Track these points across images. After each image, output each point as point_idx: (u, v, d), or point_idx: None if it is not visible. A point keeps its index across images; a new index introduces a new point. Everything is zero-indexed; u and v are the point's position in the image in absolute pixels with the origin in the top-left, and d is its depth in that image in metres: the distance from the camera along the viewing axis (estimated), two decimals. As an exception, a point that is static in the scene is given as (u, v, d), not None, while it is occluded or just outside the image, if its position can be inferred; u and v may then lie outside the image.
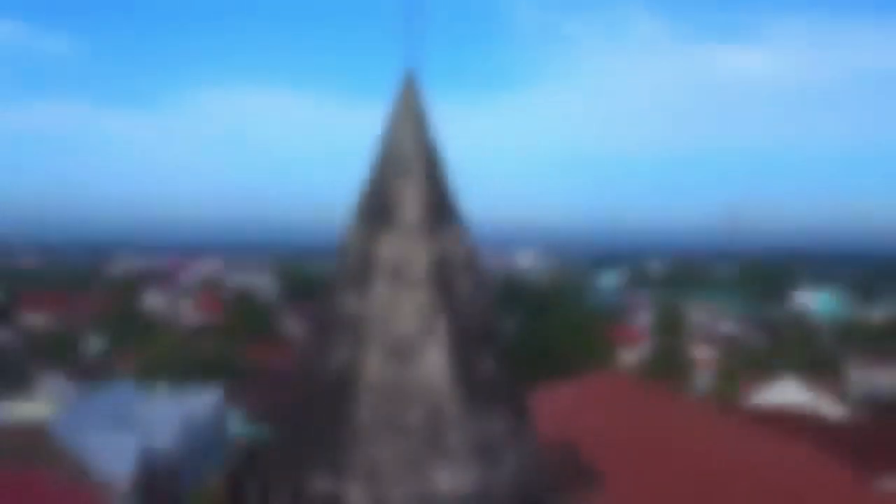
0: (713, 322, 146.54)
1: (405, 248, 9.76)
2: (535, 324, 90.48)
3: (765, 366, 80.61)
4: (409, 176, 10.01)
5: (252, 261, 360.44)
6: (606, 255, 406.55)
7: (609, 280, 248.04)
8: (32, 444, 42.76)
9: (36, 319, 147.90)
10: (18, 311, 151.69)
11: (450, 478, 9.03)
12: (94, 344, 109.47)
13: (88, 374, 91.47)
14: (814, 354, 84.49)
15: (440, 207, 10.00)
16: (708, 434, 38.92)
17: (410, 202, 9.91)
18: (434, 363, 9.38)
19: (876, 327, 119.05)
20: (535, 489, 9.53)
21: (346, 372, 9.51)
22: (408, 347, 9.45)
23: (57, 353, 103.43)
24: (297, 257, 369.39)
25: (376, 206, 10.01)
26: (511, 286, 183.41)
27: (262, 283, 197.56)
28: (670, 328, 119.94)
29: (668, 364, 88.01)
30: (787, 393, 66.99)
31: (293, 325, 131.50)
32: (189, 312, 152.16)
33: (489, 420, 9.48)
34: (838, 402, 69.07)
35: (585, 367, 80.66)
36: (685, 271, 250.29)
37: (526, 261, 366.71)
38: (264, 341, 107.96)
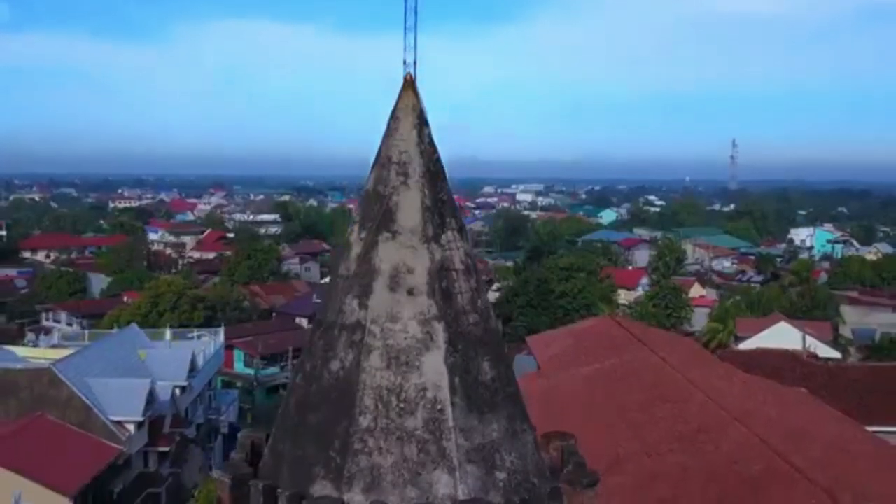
0: (711, 260, 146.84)
1: (405, 255, 9.76)
2: (535, 266, 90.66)
3: (760, 307, 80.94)
4: (409, 182, 9.96)
5: (255, 194, 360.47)
6: (607, 192, 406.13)
7: (609, 217, 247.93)
8: (42, 387, 43.28)
9: (42, 257, 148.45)
10: (25, 248, 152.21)
11: (448, 483, 9.19)
12: (99, 283, 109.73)
13: (95, 312, 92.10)
14: (809, 295, 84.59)
15: (439, 213, 9.97)
16: (700, 376, 39.21)
17: (410, 208, 9.88)
18: (433, 370, 9.46)
19: (871, 265, 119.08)
20: (533, 490, 9.70)
21: (347, 378, 9.60)
22: (408, 354, 9.51)
23: (64, 291, 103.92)
24: (299, 192, 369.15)
25: (376, 212, 10.00)
26: (512, 225, 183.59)
27: (264, 220, 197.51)
28: (668, 268, 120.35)
29: (666, 304, 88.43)
30: (780, 335, 67.40)
31: (294, 264, 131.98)
32: (192, 250, 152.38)
33: (487, 424, 9.59)
34: (831, 344, 69.59)
35: (585, 310, 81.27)
36: (684, 208, 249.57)
37: (527, 197, 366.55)
38: (266, 281, 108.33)
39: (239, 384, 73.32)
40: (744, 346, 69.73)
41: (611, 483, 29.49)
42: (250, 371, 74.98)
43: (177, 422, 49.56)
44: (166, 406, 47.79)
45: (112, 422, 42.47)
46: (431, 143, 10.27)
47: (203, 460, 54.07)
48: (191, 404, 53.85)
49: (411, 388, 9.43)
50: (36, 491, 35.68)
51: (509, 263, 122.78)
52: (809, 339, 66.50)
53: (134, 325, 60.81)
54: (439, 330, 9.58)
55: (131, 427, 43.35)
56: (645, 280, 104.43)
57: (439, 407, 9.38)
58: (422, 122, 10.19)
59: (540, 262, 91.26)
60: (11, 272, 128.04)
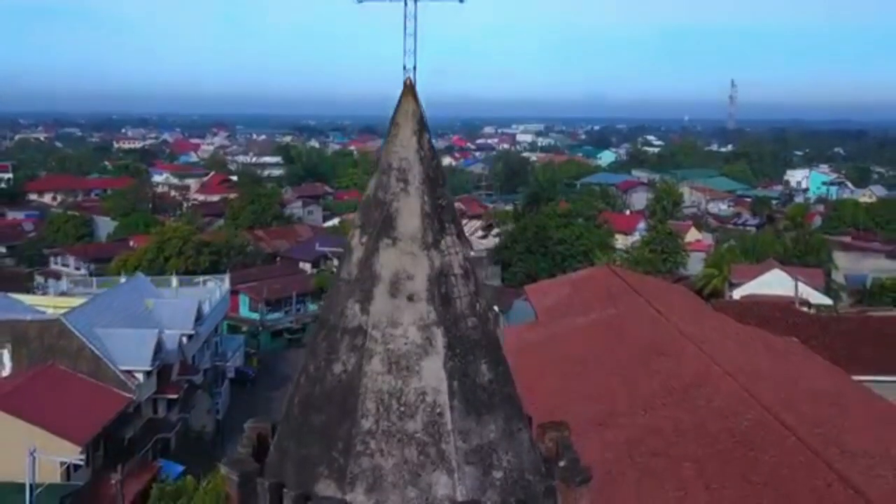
0: (707, 203, 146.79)
1: (405, 262, 9.83)
2: (533, 212, 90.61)
3: (755, 253, 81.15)
4: (409, 189, 9.99)
5: (257, 134, 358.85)
6: (606, 132, 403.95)
7: (608, 159, 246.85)
8: (52, 338, 43.69)
9: (48, 199, 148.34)
10: (31, 191, 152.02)
11: (447, 484, 9.41)
12: (105, 226, 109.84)
13: (102, 256, 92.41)
14: (803, 240, 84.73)
15: (439, 219, 10.01)
16: (694, 328, 39.55)
17: (410, 215, 9.92)
18: (433, 375, 9.61)
19: (865, 209, 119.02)
20: (529, 487, 9.93)
21: (348, 382, 9.75)
22: (408, 359, 9.65)
23: (71, 235, 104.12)
24: (301, 132, 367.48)
25: (377, 218, 10.04)
26: (512, 168, 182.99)
27: (267, 162, 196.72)
28: (665, 212, 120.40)
29: (662, 250, 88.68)
30: (774, 282, 67.78)
31: (297, 208, 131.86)
32: (196, 192, 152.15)
33: (485, 425, 9.78)
34: (823, 291, 69.97)
35: (582, 256, 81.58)
36: (682, 149, 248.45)
37: (527, 138, 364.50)
38: (269, 225, 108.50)
39: (244, 328, 74.05)
40: (738, 292, 70.26)
41: (606, 437, 30.09)
42: (255, 315, 75.64)
43: (184, 369, 50.21)
44: (174, 355, 48.37)
45: (122, 371, 43.03)
46: (431, 148, 10.27)
47: (210, 405, 54.96)
48: (198, 351, 54.47)
49: (411, 392, 9.59)
50: (48, 440, 36.29)
51: (509, 207, 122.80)
52: (802, 286, 66.90)
53: (141, 275, 61.13)
54: (438, 335, 9.71)
55: (140, 376, 43.94)
56: (642, 225, 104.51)
57: (438, 411, 9.55)
58: (422, 128, 10.17)
59: (539, 208, 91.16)
60: (19, 215, 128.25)
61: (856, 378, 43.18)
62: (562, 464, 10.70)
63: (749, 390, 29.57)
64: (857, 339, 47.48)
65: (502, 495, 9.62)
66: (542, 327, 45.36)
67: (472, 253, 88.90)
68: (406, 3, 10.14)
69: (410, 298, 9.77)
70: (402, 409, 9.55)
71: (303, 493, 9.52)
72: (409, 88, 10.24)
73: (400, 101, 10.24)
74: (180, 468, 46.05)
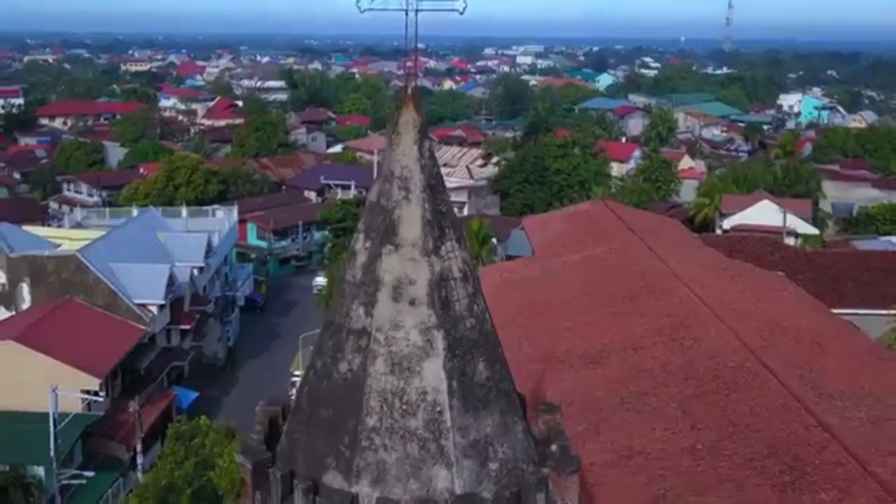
0: (701, 129, 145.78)
1: (407, 267, 10.02)
2: (532, 142, 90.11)
3: (746, 182, 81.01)
4: (410, 197, 10.12)
5: (261, 55, 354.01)
6: (604, 53, 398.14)
7: (605, 82, 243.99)
8: (69, 273, 44.08)
9: (59, 124, 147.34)
10: (42, 115, 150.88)
11: (447, 478, 9.81)
12: (115, 153, 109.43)
13: (113, 184, 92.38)
14: (793, 169, 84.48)
15: (439, 225, 10.16)
16: (685, 266, 39.85)
17: (411, 223, 10.07)
18: (433, 375, 9.90)
19: (854, 136, 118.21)
20: (522, 477, 10.33)
21: (354, 380, 10.06)
22: (410, 361, 9.93)
23: (83, 162, 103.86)
24: (303, 53, 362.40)
25: (379, 224, 10.20)
26: (512, 92, 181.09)
27: (271, 87, 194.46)
28: (660, 138, 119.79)
29: (656, 178, 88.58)
30: (763, 212, 67.93)
31: (301, 134, 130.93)
32: (203, 118, 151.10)
33: (482, 420, 10.11)
34: (810, 221, 70.15)
35: (579, 187, 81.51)
36: (678, 73, 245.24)
37: (527, 59, 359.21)
38: (275, 152, 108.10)
39: (253, 256, 74.53)
40: (728, 222, 70.42)
41: (598, 375, 30.70)
42: (263, 244, 76.04)
43: (196, 300, 50.78)
44: (185, 287, 48.85)
45: (136, 305, 43.56)
46: (432, 156, 10.36)
47: (221, 333, 55.78)
48: (208, 282, 54.99)
49: (413, 391, 9.90)
50: (68, 373, 36.99)
51: (509, 134, 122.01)
52: (789, 217, 67.10)
53: (152, 208, 61.31)
54: (438, 338, 9.97)
55: (154, 309, 44.50)
56: (637, 153, 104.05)
57: (438, 409, 9.88)
58: (422, 136, 10.24)
59: (538, 138, 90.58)
60: (31, 141, 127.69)
61: (839, 311, 43.78)
62: (553, 448, 11.08)
63: (735, 331, 30.01)
64: (841, 273, 47.90)
65: (498, 486, 10.03)
66: (538, 262, 45.65)
67: (473, 182, 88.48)
68: (406, 13, 10.10)
69: (412, 303, 10.00)
70: (405, 407, 9.88)
71: (312, 482, 9.95)
72: (411, 98, 10.28)
73: (401, 111, 10.29)
74: (194, 394, 47.11)
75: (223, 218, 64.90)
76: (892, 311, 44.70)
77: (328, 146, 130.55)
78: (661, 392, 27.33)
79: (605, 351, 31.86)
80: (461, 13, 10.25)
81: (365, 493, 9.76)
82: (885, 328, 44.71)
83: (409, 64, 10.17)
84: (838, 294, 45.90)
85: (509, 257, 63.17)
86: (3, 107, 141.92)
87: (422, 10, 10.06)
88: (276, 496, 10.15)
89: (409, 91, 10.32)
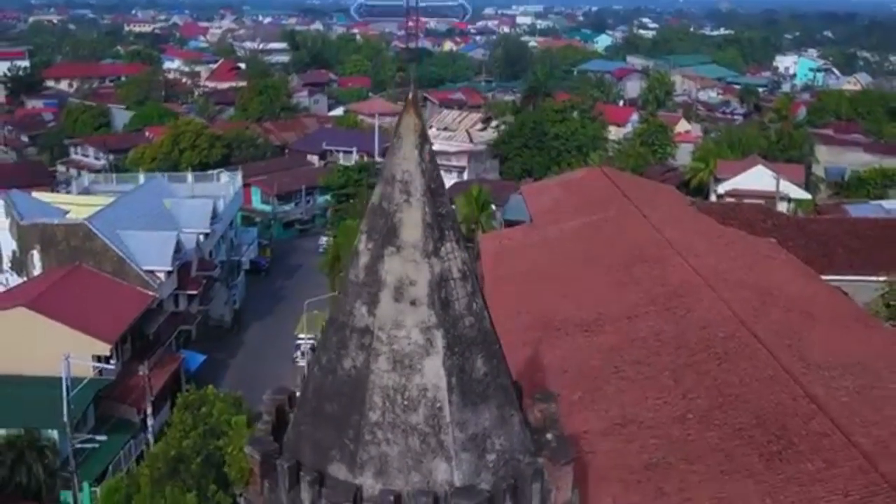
0: (697, 91, 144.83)
1: (408, 269, 10.16)
2: (531, 107, 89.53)
3: (740, 147, 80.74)
4: (411, 200, 10.21)
5: (263, 16, 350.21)
6: (603, 13, 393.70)
7: (604, 43, 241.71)
8: (78, 241, 44.21)
9: (65, 86, 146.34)
10: (48, 78, 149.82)
11: (446, 470, 10.06)
12: (121, 116, 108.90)
13: (120, 147, 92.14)
14: (787, 134, 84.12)
15: (439, 227, 10.27)
16: (679, 234, 39.91)
17: (412, 225, 10.18)
18: (433, 373, 10.10)
19: (848, 100, 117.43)
20: (518, 467, 10.58)
21: (357, 377, 10.26)
22: (411, 359, 10.12)
23: (89, 125, 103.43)
24: (305, 13, 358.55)
25: (381, 227, 10.32)
26: (511, 54, 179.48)
27: (273, 48, 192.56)
28: (657, 101, 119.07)
29: (652, 142, 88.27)
30: (757, 178, 67.84)
31: (303, 96, 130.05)
32: (207, 80, 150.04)
33: (480, 414, 10.33)
34: (802, 186, 70.10)
35: (577, 152, 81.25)
36: (675, 34, 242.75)
37: (526, 20, 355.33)
38: (278, 115, 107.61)
39: (258, 219, 74.59)
40: (722, 187, 70.39)
41: (593, 343, 30.94)
42: (267, 207, 76.07)
43: (202, 265, 50.98)
44: (192, 253, 49.01)
45: (144, 271, 43.77)
46: (432, 160, 10.43)
47: (227, 296, 56.10)
48: (214, 246, 55.15)
49: (414, 388, 10.11)
50: (80, 339, 37.30)
51: (508, 97, 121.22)
52: (783, 182, 67.02)
53: (158, 175, 61.25)
54: (438, 337, 10.15)
55: (162, 275, 44.70)
56: (635, 117, 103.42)
57: (438, 405, 10.10)
58: (423, 141, 10.30)
59: (537, 101, 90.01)
60: (38, 104, 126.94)
61: (829, 278, 43.93)
62: (549, 436, 11.32)
63: (726, 301, 30.12)
64: (831, 240, 47.98)
65: (495, 476, 10.30)
66: (536, 230, 45.74)
67: (473, 147, 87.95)
68: (407, 19, 10.11)
69: (413, 303, 10.17)
70: (406, 403, 10.10)
71: (318, 474, 10.20)
72: (411, 104, 10.34)
73: (402, 116, 10.35)
74: (202, 357, 47.53)
75: (228, 182, 64.85)
76: (881, 279, 44.87)
77: (330, 108, 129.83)
78: (654, 361, 27.50)
79: (600, 319, 32.02)
80: (463, 19, 10.25)
81: (368, 484, 10.03)
82: (873, 295, 44.93)
83: (410, 69, 10.20)
84: (829, 261, 46.02)
85: (508, 222, 63.31)
86: (9, 69, 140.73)
87: (423, 15, 10.06)
88: (284, 486, 10.42)
89: (410, 96, 10.38)
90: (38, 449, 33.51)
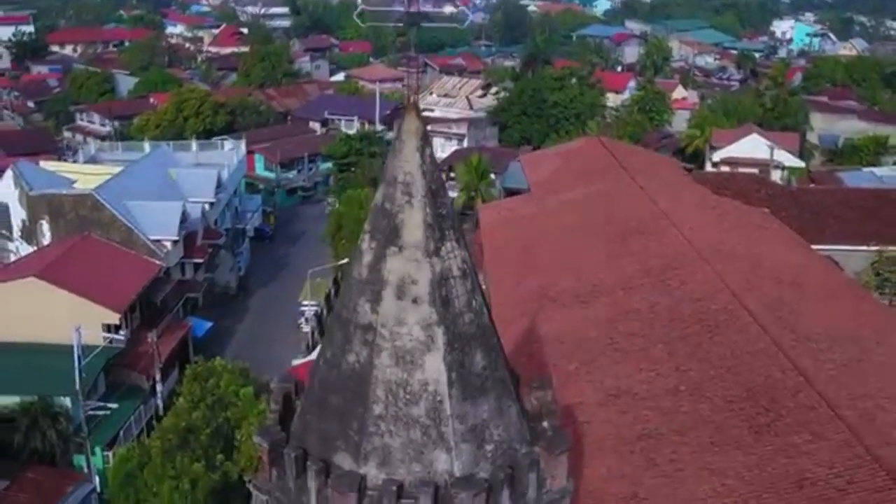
0: (695, 57, 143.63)
1: (410, 268, 10.32)
2: (530, 74, 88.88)
3: (736, 114, 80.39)
4: (412, 201, 10.34)
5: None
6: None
7: (602, 6, 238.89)
8: (86, 211, 44.31)
9: (69, 51, 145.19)
10: (53, 43, 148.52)
11: (446, 461, 10.32)
12: (125, 83, 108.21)
13: (124, 114, 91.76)
14: (782, 101, 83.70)
15: (440, 227, 10.41)
16: (675, 206, 39.99)
17: (413, 226, 10.32)
18: (434, 368, 10.31)
19: (844, 67, 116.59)
20: (515, 456, 10.84)
21: (361, 371, 10.48)
22: (412, 355, 10.32)
23: (94, 91, 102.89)
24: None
25: (384, 227, 10.46)
26: (511, 19, 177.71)
27: (275, 13, 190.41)
28: (655, 67, 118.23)
29: (650, 108, 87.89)
30: (751, 146, 67.70)
31: (305, 62, 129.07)
32: (210, 45, 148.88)
33: (479, 406, 10.56)
34: (796, 154, 69.94)
35: (575, 119, 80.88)
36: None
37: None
38: (280, 82, 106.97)
39: (261, 186, 74.51)
40: (718, 154, 70.23)
41: (589, 315, 31.19)
42: (270, 174, 75.94)
43: (208, 234, 51.12)
44: (198, 222, 49.13)
45: (151, 241, 43.92)
46: (433, 162, 10.53)
47: (233, 263, 56.30)
48: (219, 214, 55.24)
49: (415, 382, 10.33)
50: (90, 308, 37.57)
51: (508, 62, 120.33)
52: (777, 150, 66.87)
53: (163, 145, 61.03)
54: (439, 333, 10.34)
55: (168, 244, 44.86)
56: (632, 83, 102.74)
57: (439, 399, 10.32)
58: (424, 143, 10.39)
59: (536, 69, 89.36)
60: (43, 69, 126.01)
61: (820, 248, 44.09)
62: (545, 424, 11.57)
63: (719, 273, 30.27)
64: (823, 210, 48.09)
65: (493, 465, 10.56)
66: (534, 200, 45.78)
67: (473, 114, 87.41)
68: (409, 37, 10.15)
69: (415, 301, 10.34)
70: (408, 397, 10.33)
71: (324, 463, 10.47)
72: (413, 107, 10.41)
73: (404, 119, 10.43)
74: (209, 324, 47.88)
75: (232, 150, 64.75)
76: (872, 248, 45.08)
77: (331, 73, 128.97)
78: (648, 333, 27.74)
79: (595, 291, 32.21)
80: (462, 25, 10.29)
81: (372, 474, 10.30)
82: (863, 264, 45.19)
83: (412, 76, 10.28)
84: (820, 230, 46.16)
85: (507, 190, 63.30)
86: (13, 34, 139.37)
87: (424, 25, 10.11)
88: (291, 474, 10.70)
89: (411, 100, 10.45)
90: (52, 415, 33.95)
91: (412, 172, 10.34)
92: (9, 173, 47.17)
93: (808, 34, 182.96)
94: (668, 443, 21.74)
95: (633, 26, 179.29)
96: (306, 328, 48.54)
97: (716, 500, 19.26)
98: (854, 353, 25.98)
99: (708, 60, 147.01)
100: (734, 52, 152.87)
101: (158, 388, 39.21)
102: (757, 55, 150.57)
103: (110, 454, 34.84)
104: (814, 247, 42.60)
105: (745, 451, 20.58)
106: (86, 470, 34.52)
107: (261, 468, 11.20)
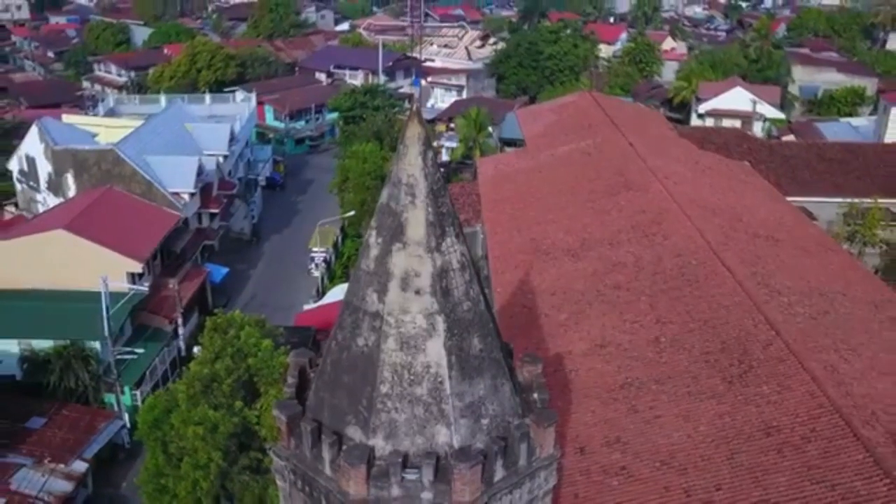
0: (684, 6, 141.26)
1: (413, 262, 10.67)
2: (527, 27, 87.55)
3: (722, 66, 79.54)
4: (416, 202, 10.63)
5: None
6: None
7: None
8: (108, 165, 44.37)
9: (84, 1, 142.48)
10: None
11: (447, 434, 10.83)
12: (140, 34, 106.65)
13: (140, 64, 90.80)
14: (766, 54, 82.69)
15: (440, 225, 10.71)
16: (661, 161, 40.08)
17: (417, 224, 10.63)
18: (435, 352, 10.74)
19: (825, 18, 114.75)
20: (508, 428, 11.37)
21: (369, 354, 10.92)
22: (416, 340, 10.75)
23: (110, 42, 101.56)
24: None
25: (390, 225, 10.77)
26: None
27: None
28: (645, 17, 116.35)
29: (640, 59, 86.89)
30: (735, 99, 67.29)
31: (311, 12, 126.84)
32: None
33: (476, 385, 11.03)
34: (777, 107, 69.54)
35: (569, 71, 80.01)
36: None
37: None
38: (288, 33, 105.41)
39: (271, 136, 74.21)
40: (703, 107, 69.81)
41: (578, 267, 31.56)
42: (280, 124, 75.54)
43: (223, 185, 51.18)
44: (213, 174, 49.14)
45: (170, 193, 44.08)
46: (434, 164, 10.78)
47: (246, 211, 56.51)
48: (232, 166, 55.23)
49: (418, 365, 10.78)
50: (115, 258, 37.95)
51: (506, 12, 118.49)
52: (759, 103, 66.52)
53: (178, 99, 60.56)
54: (440, 321, 10.74)
55: (186, 196, 45.01)
56: (623, 35, 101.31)
57: (440, 380, 10.78)
58: (426, 147, 10.63)
59: (532, 22, 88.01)
60: (61, 20, 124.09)
61: (796, 199, 44.29)
62: (535, 396, 12.08)
63: (700, 229, 30.55)
64: (800, 163, 48.15)
65: (489, 437, 11.10)
66: (529, 154, 45.75)
67: (472, 65, 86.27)
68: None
69: (418, 292, 10.72)
70: (412, 378, 10.79)
71: (336, 436, 11.00)
72: (416, 114, 10.62)
73: (407, 125, 10.64)
74: (225, 269, 48.36)
75: (243, 103, 64.32)
76: (845, 199, 45.28)
77: (336, 23, 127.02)
78: (633, 286, 28.07)
79: (585, 245, 32.49)
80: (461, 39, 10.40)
81: (380, 446, 10.84)
82: (835, 213, 45.44)
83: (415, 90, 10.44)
84: (797, 182, 46.35)
85: (504, 140, 63.19)
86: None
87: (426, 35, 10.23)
88: (307, 444, 11.24)
89: (414, 108, 10.66)
90: (83, 358, 34.68)
91: (415, 175, 10.60)
92: (34, 129, 47.03)
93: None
94: (649, 391, 22.23)
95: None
96: (316, 273, 49.04)
97: (691, 444, 19.84)
98: (822, 305, 26.44)
99: (696, 10, 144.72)
100: (722, 1, 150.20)
101: (180, 331, 39.91)
102: (744, 5, 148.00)
103: (138, 393, 35.75)
104: (790, 198, 42.83)
105: (719, 400, 21.10)
106: (116, 407, 35.45)
107: (280, 437, 11.73)
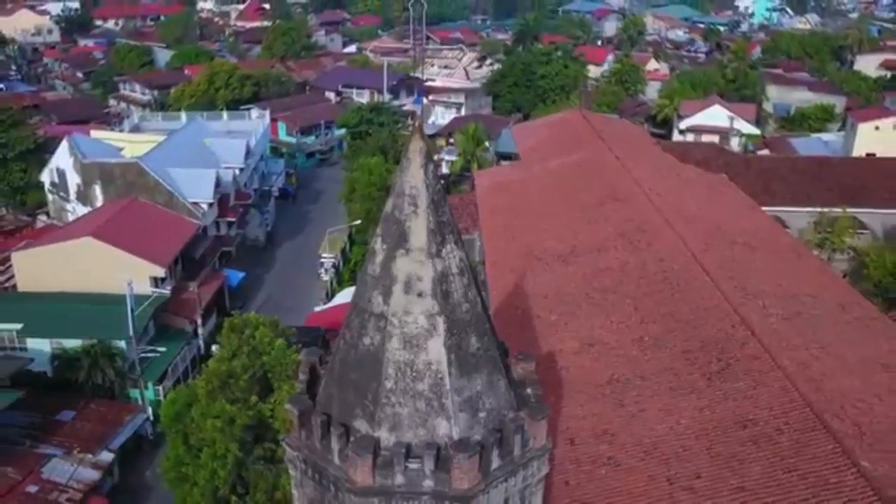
0: (667, 31, 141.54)
1: (415, 267, 10.72)
2: (522, 47, 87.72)
3: (702, 86, 79.71)
4: (418, 211, 10.69)
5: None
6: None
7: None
8: (132, 177, 44.43)
9: (112, 25, 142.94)
10: (97, 18, 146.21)
11: (447, 427, 10.87)
12: (163, 56, 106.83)
13: (163, 84, 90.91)
14: (742, 73, 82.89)
15: (441, 232, 10.77)
16: (645, 173, 40.11)
17: (419, 232, 10.69)
18: (436, 351, 10.79)
19: (798, 41, 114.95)
20: (504, 421, 11.40)
21: (375, 352, 10.96)
22: (418, 339, 10.79)
23: (135, 63, 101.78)
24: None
25: (394, 232, 10.83)
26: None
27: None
28: (631, 41, 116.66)
29: (625, 80, 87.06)
30: (714, 116, 67.40)
31: (321, 36, 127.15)
32: (236, 20, 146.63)
33: (474, 381, 11.07)
34: (753, 123, 69.63)
35: (560, 91, 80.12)
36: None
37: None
38: (299, 55, 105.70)
39: (283, 150, 74.31)
40: (684, 123, 69.96)
41: (568, 272, 31.56)
42: (292, 139, 75.64)
43: (239, 196, 51.30)
44: (230, 185, 49.24)
45: (190, 203, 44.15)
46: (435, 176, 10.84)
47: (261, 220, 56.56)
48: (248, 178, 55.32)
49: (420, 362, 10.82)
50: (139, 263, 38.00)
51: (502, 35, 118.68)
52: (735, 119, 66.63)
53: (198, 117, 60.67)
54: (440, 322, 10.79)
55: (205, 206, 45.09)
56: (610, 57, 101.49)
57: (440, 376, 10.82)
58: (427, 160, 10.69)
59: (525, 45, 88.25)
60: (89, 42, 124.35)
61: (770, 209, 44.30)
62: (528, 391, 12.11)
63: (681, 236, 30.59)
64: (774, 176, 48.19)
65: (486, 429, 11.13)
66: (523, 167, 45.87)
67: (470, 85, 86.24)
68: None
69: (420, 295, 10.77)
70: (414, 374, 10.83)
71: (344, 427, 11.04)
72: (418, 129, 10.69)
73: (410, 140, 10.72)
74: (241, 274, 48.37)
75: (258, 119, 64.47)
76: (815, 209, 45.34)
77: (344, 46, 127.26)
78: (619, 289, 28.10)
79: (575, 251, 32.54)
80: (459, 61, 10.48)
81: (385, 437, 10.87)
82: (806, 223, 45.50)
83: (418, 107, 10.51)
84: (771, 193, 46.38)
85: (500, 154, 63.26)
86: (62, 10, 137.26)
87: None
88: (317, 436, 11.28)
89: (416, 124, 10.73)
90: (110, 356, 34.70)
91: (417, 186, 10.66)
92: (64, 143, 47.16)
93: (767, 8, 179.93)
94: (634, 387, 22.24)
95: (613, 1, 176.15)
96: (325, 277, 49.06)
97: (673, 436, 19.84)
98: (794, 307, 26.41)
99: (678, 34, 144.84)
100: (702, 26, 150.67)
101: (200, 331, 39.93)
102: (722, 29, 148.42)
103: (160, 388, 35.75)
104: (764, 208, 42.85)
105: (699, 395, 21.10)
106: (140, 402, 35.46)
107: (292, 429, 11.76)
